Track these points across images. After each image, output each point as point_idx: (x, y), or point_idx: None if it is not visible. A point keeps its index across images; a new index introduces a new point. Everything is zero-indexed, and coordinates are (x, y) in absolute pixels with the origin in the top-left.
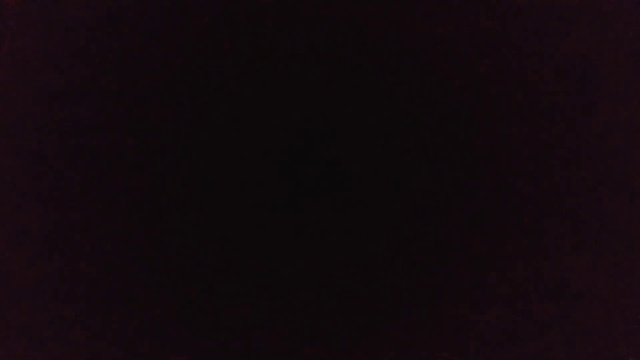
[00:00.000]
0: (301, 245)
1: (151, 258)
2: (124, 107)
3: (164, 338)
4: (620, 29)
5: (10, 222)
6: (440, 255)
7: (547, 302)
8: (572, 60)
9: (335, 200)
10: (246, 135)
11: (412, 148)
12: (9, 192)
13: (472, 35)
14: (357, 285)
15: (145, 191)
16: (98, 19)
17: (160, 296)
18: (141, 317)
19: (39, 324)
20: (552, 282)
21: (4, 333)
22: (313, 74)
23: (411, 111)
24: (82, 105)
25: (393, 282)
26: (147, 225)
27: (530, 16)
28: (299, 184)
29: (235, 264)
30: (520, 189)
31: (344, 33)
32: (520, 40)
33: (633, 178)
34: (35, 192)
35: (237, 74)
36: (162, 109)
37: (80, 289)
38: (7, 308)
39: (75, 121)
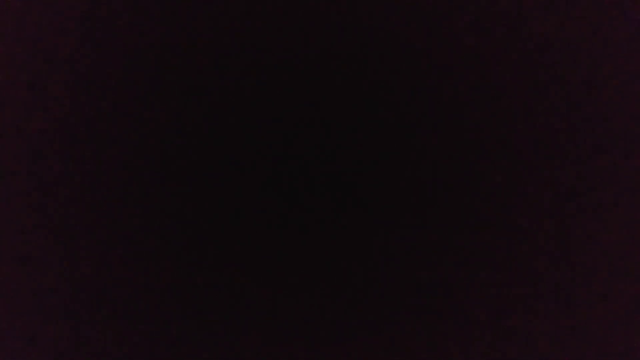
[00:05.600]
0: (301, 246)
1: (150, 258)
2: (123, 107)
3: (164, 338)
4: (620, 29)
5: (10, 222)
6: (440, 255)
7: (547, 302)
8: (573, 60)
9: (336, 201)
10: (246, 135)
11: (412, 148)
12: (8, 191)
13: (473, 36)
14: (357, 286)
15: (144, 191)
16: (97, 18)
17: (159, 296)
18: (140, 317)
19: (38, 323)
20: (552, 282)
21: (4, 333)
22: (313, 74)
23: (411, 111)
24: (82, 105)
25: (393, 283)
26: (146, 226)
27: (530, 16)
28: (299, 185)
29: (235, 265)
30: (521, 190)
31: (343, 33)
32: (522, 40)
33: (633, 178)
34: (34, 193)
35: (236, 73)
36: (160, 110)
37: (79, 289)
38: (7, 308)
39: (74, 121)
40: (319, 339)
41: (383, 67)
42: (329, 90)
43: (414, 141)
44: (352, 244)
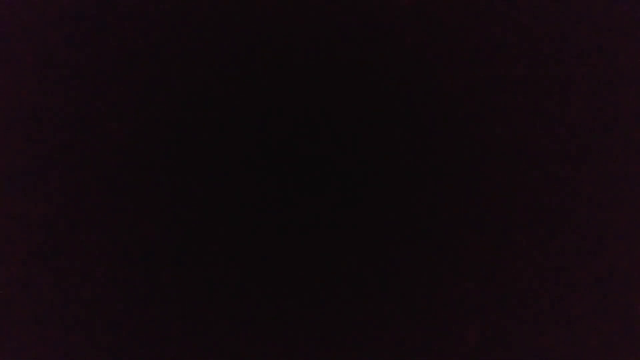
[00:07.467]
0: (300, 247)
1: (150, 258)
2: (122, 107)
3: (164, 338)
4: (620, 29)
5: (10, 222)
6: (439, 256)
7: (546, 301)
8: (573, 60)
9: (335, 201)
10: (246, 135)
11: (411, 148)
12: (8, 191)
13: (473, 36)
14: (356, 286)
15: (143, 191)
16: (97, 18)
17: (159, 296)
18: (140, 317)
19: (38, 323)
20: (552, 282)
21: (3, 333)
22: (312, 74)
23: (411, 111)
24: (81, 105)
25: (392, 283)
26: (146, 226)
27: (530, 16)
28: (299, 185)
29: (234, 265)
30: (521, 190)
31: (344, 33)
32: (522, 40)
33: (633, 178)
34: (35, 192)
35: (235, 73)
36: (160, 110)
37: (79, 289)
38: (7, 308)
39: (74, 121)
40: (319, 339)
41: (383, 67)
42: (328, 89)
43: (415, 141)
44: (352, 243)
